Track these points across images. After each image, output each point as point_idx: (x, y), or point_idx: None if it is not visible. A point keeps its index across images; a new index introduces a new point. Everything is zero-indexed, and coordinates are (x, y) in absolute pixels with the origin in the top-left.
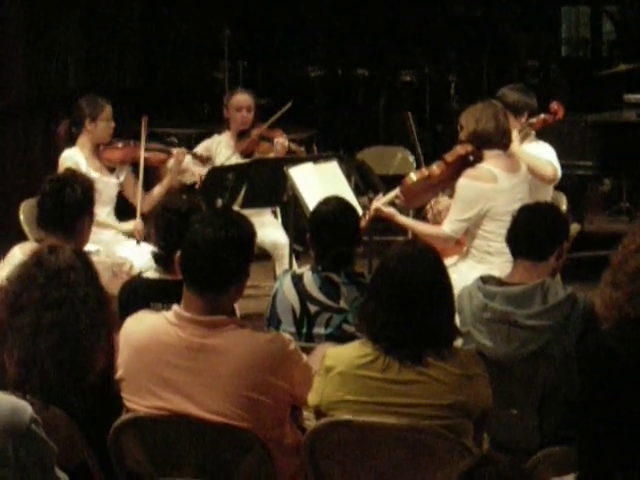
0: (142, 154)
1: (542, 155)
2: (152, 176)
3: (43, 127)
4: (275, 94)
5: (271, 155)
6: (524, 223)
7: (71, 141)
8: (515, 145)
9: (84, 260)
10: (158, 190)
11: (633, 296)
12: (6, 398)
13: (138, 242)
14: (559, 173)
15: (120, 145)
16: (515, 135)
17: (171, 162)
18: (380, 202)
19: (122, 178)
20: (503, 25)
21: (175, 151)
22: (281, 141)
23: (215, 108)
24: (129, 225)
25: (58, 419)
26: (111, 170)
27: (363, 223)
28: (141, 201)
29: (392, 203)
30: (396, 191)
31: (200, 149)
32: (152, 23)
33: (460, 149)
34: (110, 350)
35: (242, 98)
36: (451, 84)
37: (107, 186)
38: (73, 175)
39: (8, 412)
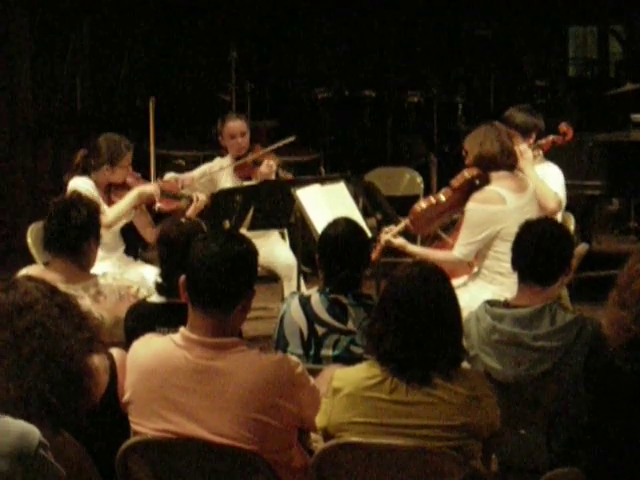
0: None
1: (550, 179)
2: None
3: (51, 150)
4: (282, 116)
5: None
6: (529, 248)
7: (84, 171)
8: (528, 166)
9: (46, 287)
10: None
11: None
12: (15, 422)
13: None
14: (563, 204)
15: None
16: (529, 155)
17: (190, 211)
18: (389, 234)
19: (132, 215)
20: (511, 45)
21: (195, 198)
22: (268, 162)
23: None
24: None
25: (66, 443)
26: None
27: (374, 256)
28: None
29: (401, 233)
30: (405, 221)
31: (198, 172)
32: (159, 45)
33: (466, 173)
34: (108, 372)
35: (234, 125)
36: (458, 105)
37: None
38: (79, 197)
39: (17, 436)
